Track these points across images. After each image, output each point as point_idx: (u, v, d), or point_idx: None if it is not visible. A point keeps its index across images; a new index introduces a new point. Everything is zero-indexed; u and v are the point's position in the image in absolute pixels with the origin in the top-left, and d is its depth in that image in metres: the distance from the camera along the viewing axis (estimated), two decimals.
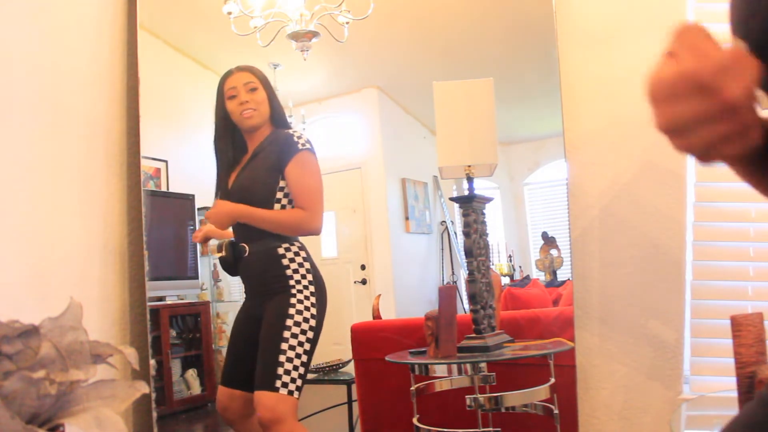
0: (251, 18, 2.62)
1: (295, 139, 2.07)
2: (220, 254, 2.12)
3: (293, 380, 1.90)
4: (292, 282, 2.01)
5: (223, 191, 2.16)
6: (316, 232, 2.09)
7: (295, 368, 1.91)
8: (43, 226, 2.00)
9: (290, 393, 1.89)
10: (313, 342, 1.98)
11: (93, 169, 2.18)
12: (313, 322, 1.98)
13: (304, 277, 2.03)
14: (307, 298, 2.00)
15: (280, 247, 2.05)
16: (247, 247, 2.08)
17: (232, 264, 2.11)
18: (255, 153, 2.12)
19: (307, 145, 2.08)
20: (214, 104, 2.18)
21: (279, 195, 2.08)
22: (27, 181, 1.97)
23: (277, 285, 2.02)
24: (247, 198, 2.06)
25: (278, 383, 1.88)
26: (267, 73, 2.24)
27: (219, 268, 3.02)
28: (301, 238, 2.13)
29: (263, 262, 2.06)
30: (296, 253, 2.06)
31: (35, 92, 2.00)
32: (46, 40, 2.05)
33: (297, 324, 1.95)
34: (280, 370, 1.89)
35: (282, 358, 1.91)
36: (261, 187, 2.06)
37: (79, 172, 2.14)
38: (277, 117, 2.17)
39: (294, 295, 1.99)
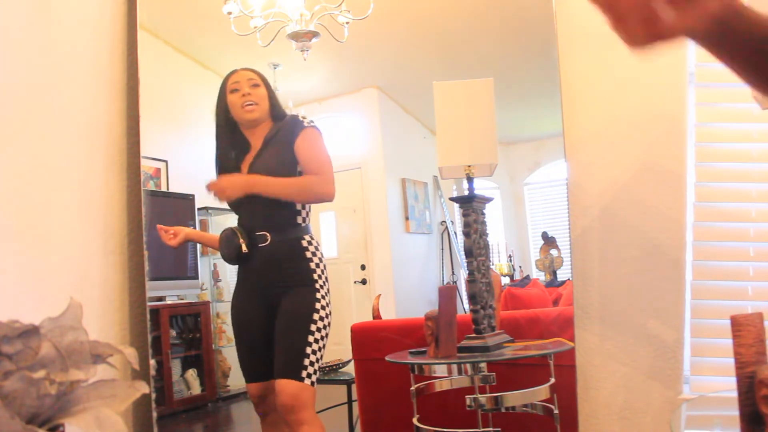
0: (251, 18, 2.62)
1: (300, 118, 2.13)
2: (239, 242, 2.05)
3: (315, 371, 1.97)
4: (315, 276, 2.04)
5: None
6: (329, 196, 2.08)
7: (317, 360, 1.99)
8: (43, 227, 2.00)
9: (312, 383, 1.96)
10: (328, 336, 2.04)
11: (93, 169, 2.18)
12: (331, 317, 2.05)
13: (323, 271, 2.07)
14: (328, 292, 2.06)
15: (303, 239, 2.06)
16: (269, 236, 2.06)
17: (247, 252, 2.05)
18: (267, 141, 2.12)
19: (313, 123, 2.12)
20: (216, 102, 2.17)
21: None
22: (27, 181, 1.97)
23: (299, 277, 2.03)
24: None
25: (304, 373, 1.94)
26: (267, 73, 2.24)
27: (219, 268, 3.03)
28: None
29: (285, 253, 2.05)
30: (317, 247, 2.09)
31: (35, 92, 2.00)
32: (46, 40, 2.05)
33: (321, 318, 2.01)
34: (306, 361, 1.95)
35: (309, 350, 1.96)
36: (285, 167, 2.07)
37: (79, 173, 2.13)
38: (276, 114, 2.18)
39: (318, 290, 2.03)
